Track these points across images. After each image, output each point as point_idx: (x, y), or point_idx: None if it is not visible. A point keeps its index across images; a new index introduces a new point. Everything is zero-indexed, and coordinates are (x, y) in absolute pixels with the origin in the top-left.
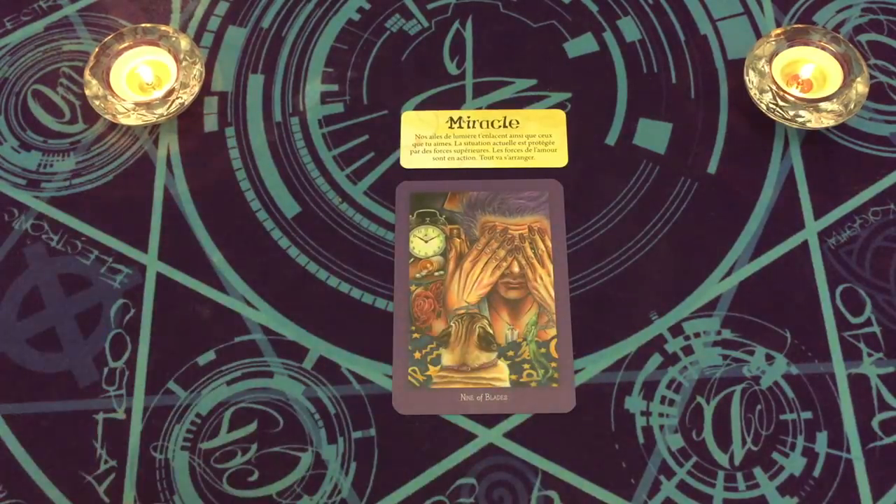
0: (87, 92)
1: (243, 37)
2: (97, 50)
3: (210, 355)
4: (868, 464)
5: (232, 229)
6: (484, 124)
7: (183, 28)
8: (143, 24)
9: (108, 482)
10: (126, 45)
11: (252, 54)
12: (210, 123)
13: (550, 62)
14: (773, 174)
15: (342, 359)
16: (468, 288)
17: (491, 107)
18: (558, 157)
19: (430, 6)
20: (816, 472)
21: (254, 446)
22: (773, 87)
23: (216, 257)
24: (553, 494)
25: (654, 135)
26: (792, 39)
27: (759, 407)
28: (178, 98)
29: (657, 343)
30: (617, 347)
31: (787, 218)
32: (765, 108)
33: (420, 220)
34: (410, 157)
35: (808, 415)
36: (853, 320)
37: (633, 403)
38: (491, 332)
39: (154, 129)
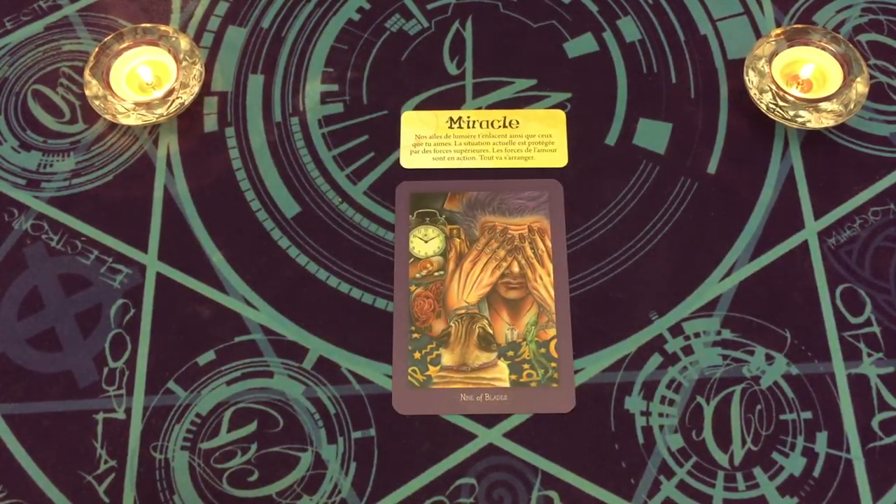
0: (87, 92)
1: (243, 37)
2: (97, 50)
3: (210, 355)
4: (868, 464)
5: (232, 229)
6: (484, 124)
7: (183, 28)
8: (143, 24)
9: (108, 482)
10: (126, 45)
11: (252, 54)
12: (210, 123)
13: (550, 62)
14: (773, 174)
15: (342, 359)
16: (468, 288)
17: (491, 107)
18: (558, 157)
19: (430, 6)
20: (816, 472)
21: (254, 446)
22: (773, 87)
23: (216, 257)
24: (553, 494)
25: (654, 135)
26: (792, 39)
27: (758, 407)
28: (177, 98)
29: (657, 343)
30: (617, 347)
31: (787, 218)
32: (765, 108)
33: (420, 220)
34: (410, 157)
35: (807, 415)
36: (853, 320)
37: (633, 403)
38: (491, 332)
39: (154, 129)
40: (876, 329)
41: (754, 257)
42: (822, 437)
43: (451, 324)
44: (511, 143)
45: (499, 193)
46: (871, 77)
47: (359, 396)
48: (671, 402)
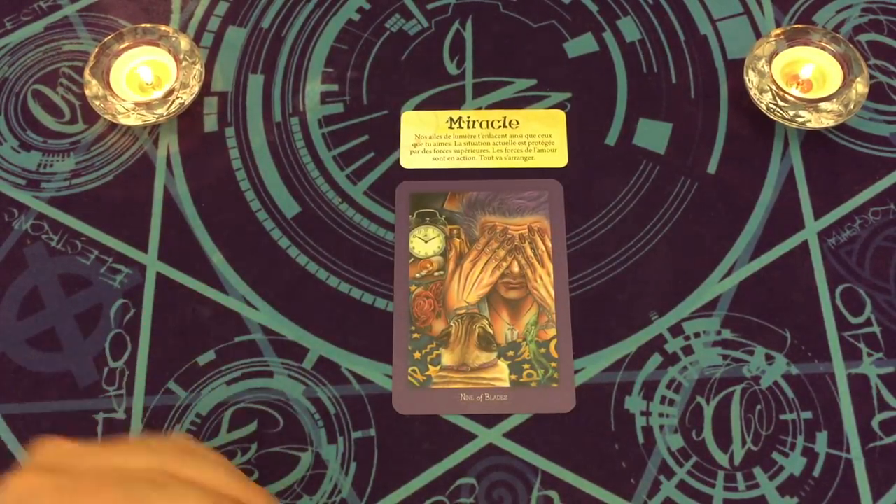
0: (87, 92)
1: (243, 37)
2: (97, 50)
3: (210, 355)
4: (868, 464)
5: (232, 229)
6: (484, 124)
7: (183, 28)
8: (143, 24)
9: None
10: (126, 45)
11: (252, 54)
12: (210, 123)
13: (550, 62)
14: (773, 174)
15: (342, 359)
16: (468, 288)
17: (491, 107)
18: (558, 157)
19: (430, 6)
20: (816, 472)
21: (254, 446)
22: (773, 87)
23: (216, 257)
24: (553, 494)
25: (654, 135)
26: (792, 39)
27: (758, 407)
28: (178, 98)
29: (657, 343)
30: (617, 347)
31: (787, 218)
32: (765, 108)
33: (420, 220)
34: (410, 157)
35: (807, 415)
36: (853, 320)
37: (633, 403)
38: (491, 332)
39: (154, 129)
40: (876, 329)
41: (754, 257)
42: (822, 437)
43: (451, 324)
44: (511, 143)
45: (499, 193)
46: (871, 77)
47: (359, 396)
48: (671, 402)
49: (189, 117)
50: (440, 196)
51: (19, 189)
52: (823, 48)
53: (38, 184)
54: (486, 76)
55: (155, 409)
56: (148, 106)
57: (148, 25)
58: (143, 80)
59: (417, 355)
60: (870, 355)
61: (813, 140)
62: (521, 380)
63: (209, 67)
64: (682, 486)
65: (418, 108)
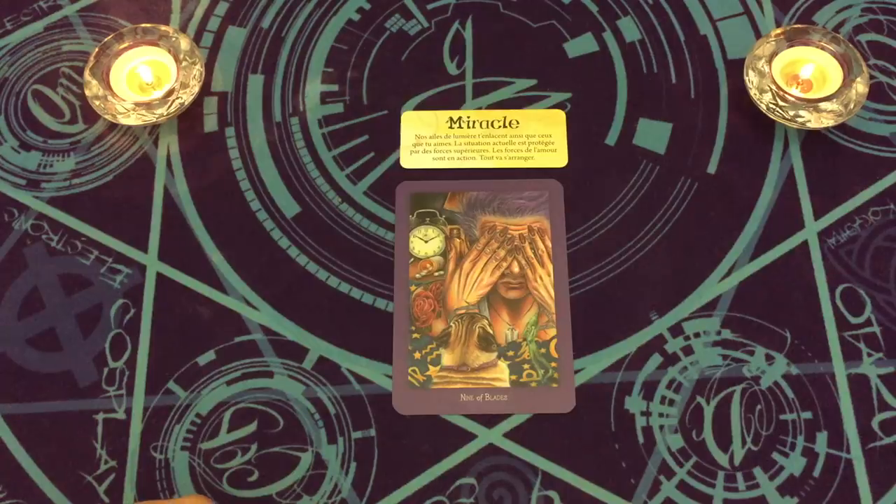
0: (86, 92)
1: (243, 37)
2: (97, 50)
3: (210, 355)
4: (868, 464)
5: (232, 229)
6: (484, 124)
7: (183, 28)
8: (143, 24)
9: (108, 482)
10: (126, 45)
11: (252, 54)
12: (210, 123)
13: (550, 62)
14: (773, 174)
15: (342, 359)
16: (468, 288)
17: (491, 107)
18: (558, 157)
19: (430, 6)
20: (816, 472)
21: (254, 446)
22: (773, 87)
23: (216, 257)
24: (553, 494)
25: (654, 135)
26: (792, 39)
27: (758, 407)
28: (178, 98)
29: (657, 343)
30: (617, 347)
31: (787, 218)
32: (765, 108)
33: (420, 220)
34: (410, 157)
35: (807, 415)
36: (853, 320)
37: (633, 403)
38: (491, 332)
39: (154, 129)
40: (876, 329)
41: (754, 257)
42: (822, 437)
43: (451, 324)
44: (511, 143)
45: (499, 193)
46: (871, 77)
47: (359, 396)
48: (671, 402)
49: (189, 117)
50: (440, 196)
51: (19, 189)
52: (823, 48)
53: (38, 184)
54: (486, 76)
55: (155, 409)
56: (148, 106)
57: (148, 25)
58: (143, 80)
59: (417, 355)
60: (870, 355)
61: (813, 140)
62: (521, 380)
63: (209, 67)
64: (682, 486)
65: (418, 108)
